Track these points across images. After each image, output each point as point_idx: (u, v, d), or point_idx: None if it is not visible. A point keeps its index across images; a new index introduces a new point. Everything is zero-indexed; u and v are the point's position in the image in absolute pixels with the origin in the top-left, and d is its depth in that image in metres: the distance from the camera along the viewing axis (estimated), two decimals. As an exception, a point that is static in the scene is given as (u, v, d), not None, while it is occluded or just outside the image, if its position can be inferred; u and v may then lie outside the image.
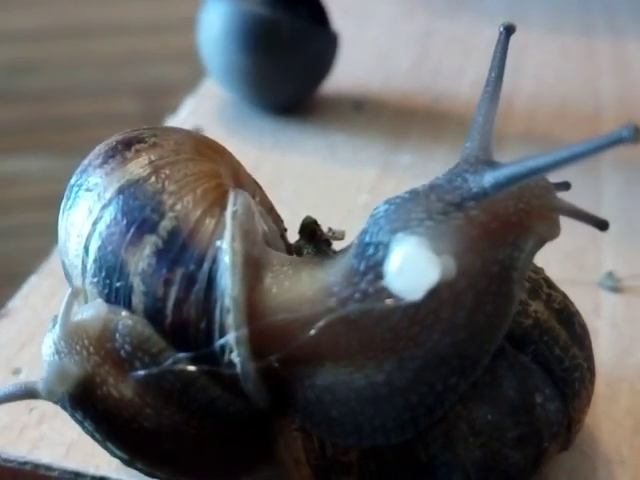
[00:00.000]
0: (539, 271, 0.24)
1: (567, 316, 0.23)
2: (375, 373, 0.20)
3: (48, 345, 0.22)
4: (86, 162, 0.23)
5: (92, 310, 0.22)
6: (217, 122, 0.47)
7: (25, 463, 0.26)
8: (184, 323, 0.21)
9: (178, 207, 0.21)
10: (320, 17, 0.46)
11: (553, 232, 0.21)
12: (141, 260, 0.21)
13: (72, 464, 0.26)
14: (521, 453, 0.21)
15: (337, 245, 0.26)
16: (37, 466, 0.26)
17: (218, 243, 0.21)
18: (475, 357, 0.20)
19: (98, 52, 1.13)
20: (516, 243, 0.20)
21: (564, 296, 0.24)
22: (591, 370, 0.23)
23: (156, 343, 0.21)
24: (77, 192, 0.23)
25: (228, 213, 0.21)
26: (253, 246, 0.21)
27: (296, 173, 0.42)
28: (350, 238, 0.25)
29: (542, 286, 0.23)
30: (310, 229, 0.25)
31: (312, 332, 0.20)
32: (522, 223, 0.20)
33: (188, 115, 0.48)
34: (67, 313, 0.22)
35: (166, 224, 0.21)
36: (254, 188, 0.25)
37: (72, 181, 0.23)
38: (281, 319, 0.21)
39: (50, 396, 0.22)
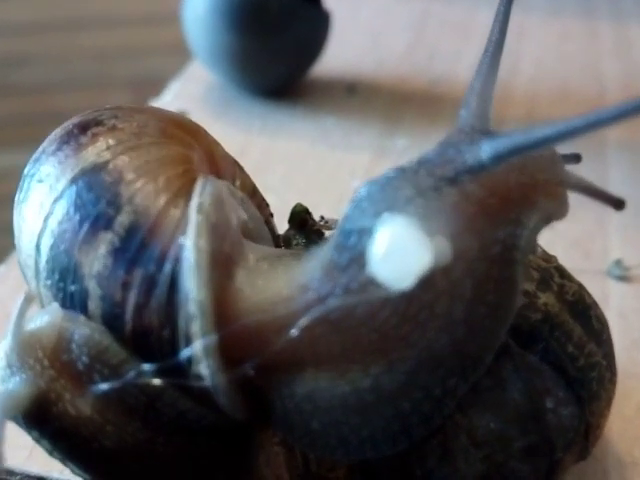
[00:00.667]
0: (551, 259, 0.21)
1: (582, 309, 0.21)
2: (360, 378, 0.18)
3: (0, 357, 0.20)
4: (40, 149, 0.21)
5: (47, 317, 0.19)
6: (203, 106, 0.45)
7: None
8: (145, 331, 0.19)
9: (137, 200, 0.19)
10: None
11: (561, 210, 0.19)
12: (96, 260, 0.19)
13: (35, 468, 0.25)
14: (531, 466, 0.19)
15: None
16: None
17: (181, 240, 0.19)
18: (476, 356, 0.18)
19: (91, 45, 1.12)
20: (518, 220, 0.18)
21: (580, 286, 0.21)
22: (611, 368, 0.21)
23: (116, 354, 0.19)
24: (29, 183, 0.20)
25: (193, 205, 0.19)
26: (222, 242, 0.19)
27: (285, 158, 0.40)
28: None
29: (553, 276, 0.21)
30: (300, 218, 0.23)
31: (294, 332, 0.17)
32: (525, 199, 0.18)
33: (173, 99, 0.46)
34: (19, 321, 0.20)
35: (123, 219, 0.19)
36: (233, 170, 0.22)
37: (25, 170, 0.21)
38: (253, 321, 0.18)
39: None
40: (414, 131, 0.42)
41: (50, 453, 0.20)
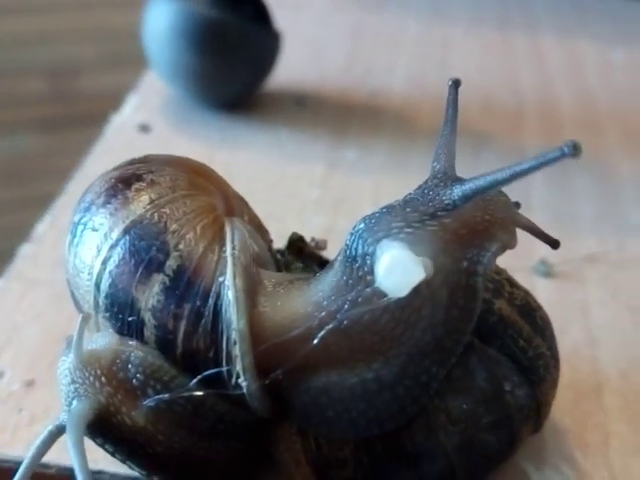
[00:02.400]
0: (501, 272, 0.26)
1: (529, 311, 0.25)
2: (365, 372, 0.22)
3: (64, 374, 0.24)
4: (88, 200, 0.24)
5: (104, 340, 0.23)
6: (163, 119, 0.47)
7: (22, 462, 0.27)
8: (194, 353, 0.23)
9: (181, 246, 0.23)
10: (263, 16, 0.47)
11: (512, 242, 0.24)
12: (151, 297, 0.23)
13: (69, 461, 0.26)
14: (496, 437, 0.24)
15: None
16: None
17: (220, 279, 0.23)
18: (451, 349, 0.23)
19: (5, 31, 1.09)
20: (482, 245, 0.23)
21: (526, 293, 0.26)
22: (555, 357, 0.26)
23: (168, 371, 0.23)
24: (83, 231, 0.24)
25: (228, 251, 0.23)
26: (249, 278, 0.23)
27: (247, 169, 0.43)
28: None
29: (504, 286, 0.25)
30: (297, 246, 0.27)
31: (315, 344, 0.22)
32: (487, 231, 0.23)
33: (132, 112, 0.48)
34: (80, 339, 0.23)
35: (171, 263, 0.23)
36: (242, 206, 0.26)
37: (76, 219, 0.24)
38: (280, 340, 0.22)
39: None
40: (360, 143, 0.45)
41: (112, 455, 0.24)
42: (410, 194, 0.24)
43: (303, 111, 0.49)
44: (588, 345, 0.33)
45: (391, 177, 0.43)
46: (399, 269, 0.22)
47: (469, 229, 0.23)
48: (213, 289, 0.23)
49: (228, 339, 0.22)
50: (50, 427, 0.23)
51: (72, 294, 0.25)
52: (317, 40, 0.57)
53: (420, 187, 0.24)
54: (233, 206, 0.26)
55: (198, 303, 0.23)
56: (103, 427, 0.23)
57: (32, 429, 0.28)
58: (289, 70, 0.51)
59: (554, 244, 0.24)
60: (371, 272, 0.22)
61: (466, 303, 0.22)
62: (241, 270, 0.23)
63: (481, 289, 0.23)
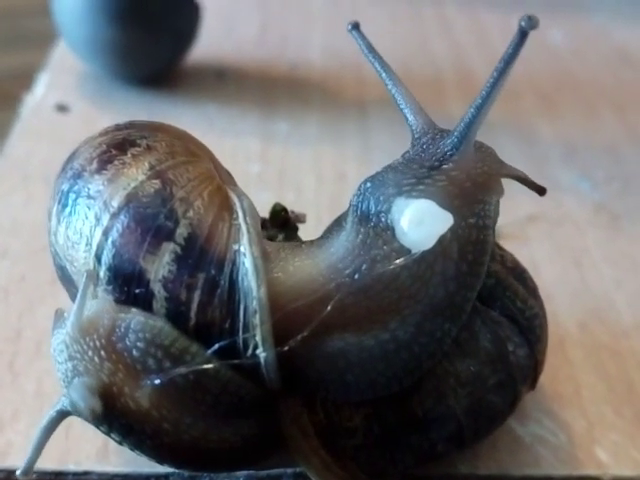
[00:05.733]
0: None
1: (520, 272, 0.25)
2: (381, 333, 0.22)
3: (59, 350, 0.21)
4: (77, 167, 0.22)
5: (99, 306, 0.21)
6: (80, 98, 0.45)
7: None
8: (208, 324, 0.21)
9: (190, 214, 0.21)
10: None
11: (502, 192, 0.24)
12: (161, 267, 0.21)
13: (50, 464, 0.25)
14: (501, 397, 0.24)
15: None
16: (12, 472, 0.25)
17: (235, 247, 0.21)
18: (461, 305, 0.22)
19: None
20: (484, 200, 0.23)
21: (512, 255, 0.26)
22: (545, 317, 0.26)
23: (168, 334, 0.21)
24: (76, 199, 0.22)
25: (240, 218, 0.22)
26: (262, 246, 0.22)
27: (180, 147, 0.41)
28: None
29: (495, 249, 0.25)
30: (282, 217, 0.26)
31: (332, 304, 0.21)
32: (485, 183, 0.23)
33: (47, 92, 0.45)
34: (82, 301, 0.21)
35: (182, 231, 0.21)
36: (228, 177, 0.25)
37: (65, 187, 0.22)
38: (298, 306, 0.21)
39: (79, 414, 0.21)
40: (290, 115, 0.44)
41: (120, 444, 0.22)
42: (408, 152, 0.24)
43: (226, 85, 0.47)
44: (545, 301, 0.34)
45: (328, 147, 0.42)
46: (428, 218, 0.22)
47: (472, 181, 0.23)
48: (228, 257, 0.21)
49: (246, 308, 0.21)
50: (51, 412, 0.21)
51: (60, 268, 0.23)
52: (227, 12, 0.55)
53: (416, 145, 0.24)
54: (222, 176, 0.24)
55: (213, 272, 0.21)
56: (108, 413, 0.21)
57: (3, 436, 0.26)
58: (205, 44, 0.49)
59: (541, 191, 0.24)
60: (387, 229, 0.22)
61: (475, 257, 0.22)
62: (256, 237, 0.22)
63: (491, 242, 0.23)
